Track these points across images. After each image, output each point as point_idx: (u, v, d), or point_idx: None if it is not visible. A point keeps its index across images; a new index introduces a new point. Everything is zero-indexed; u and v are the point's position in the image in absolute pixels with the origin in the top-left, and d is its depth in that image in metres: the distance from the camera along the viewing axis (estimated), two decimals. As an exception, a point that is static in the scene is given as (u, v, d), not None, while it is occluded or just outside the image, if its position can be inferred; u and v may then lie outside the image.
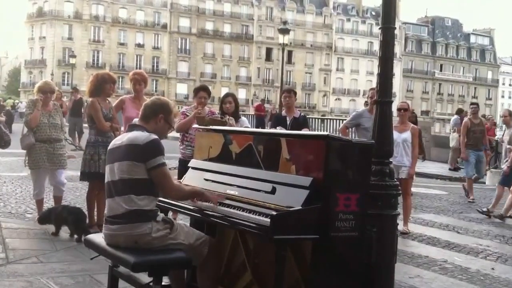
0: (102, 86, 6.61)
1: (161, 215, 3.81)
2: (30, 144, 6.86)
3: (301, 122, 7.79)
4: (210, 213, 3.81)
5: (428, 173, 17.77)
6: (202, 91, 7.17)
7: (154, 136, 3.76)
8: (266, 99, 79.64)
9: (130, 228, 3.66)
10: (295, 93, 8.07)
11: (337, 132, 13.30)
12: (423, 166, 18.53)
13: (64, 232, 6.48)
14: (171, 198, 4.05)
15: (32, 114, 6.83)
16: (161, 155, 3.72)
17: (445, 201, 11.65)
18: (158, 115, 3.92)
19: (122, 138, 3.87)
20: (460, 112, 20.09)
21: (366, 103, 10.72)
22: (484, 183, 16.13)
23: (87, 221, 6.54)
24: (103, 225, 3.91)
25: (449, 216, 9.76)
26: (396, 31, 4.48)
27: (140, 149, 3.67)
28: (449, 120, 29.07)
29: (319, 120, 26.14)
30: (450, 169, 18.91)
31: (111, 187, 3.80)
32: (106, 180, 3.88)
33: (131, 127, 3.94)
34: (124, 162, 3.71)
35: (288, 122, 7.73)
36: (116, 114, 6.85)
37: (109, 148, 3.98)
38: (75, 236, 6.29)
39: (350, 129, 8.85)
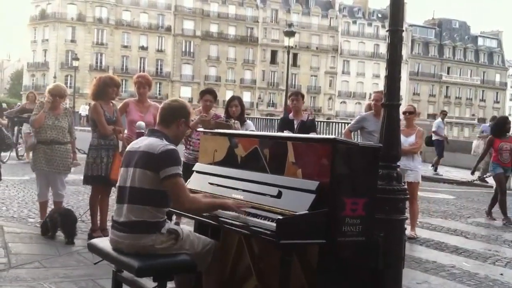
0: (105, 89, 6.57)
1: (166, 226, 3.70)
2: (33, 145, 6.96)
3: (308, 126, 7.74)
4: (215, 217, 3.76)
5: (435, 177, 17.66)
6: (207, 94, 7.13)
7: (171, 146, 3.64)
8: (271, 102, 79.73)
9: (134, 238, 3.60)
10: (302, 96, 8.04)
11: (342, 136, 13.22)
12: (430, 170, 18.44)
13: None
14: (186, 211, 3.91)
15: (37, 115, 6.84)
16: (176, 165, 3.59)
17: (452, 206, 11.56)
18: (180, 119, 3.82)
19: (141, 142, 3.78)
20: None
21: None
22: (492, 187, 16.02)
23: (82, 224, 6.50)
24: (110, 228, 3.85)
25: (457, 221, 9.67)
26: (403, 34, 4.43)
27: (154, 158, 3.57)
28: (458, 123, 28.90)
29: (325, 123, 26.06)
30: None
31: (122, 193, 3.73)
32: (118, 183, 3.81)
33: (151, 132, 3.85)
34: (137, 170, 3.63)
35: (295, 126, 7.68)
36: (120, 117, 6.80)
37: (126, 149, 3.91)
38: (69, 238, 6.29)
39: (354, 132, 8.78)
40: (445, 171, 19.24)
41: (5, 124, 7.55)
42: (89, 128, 6.91)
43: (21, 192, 9.84)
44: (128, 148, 3.89)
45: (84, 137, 10.27)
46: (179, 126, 3.83)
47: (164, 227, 3.66)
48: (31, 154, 8.57)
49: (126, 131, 6.84)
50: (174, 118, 3.82)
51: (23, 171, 12.47)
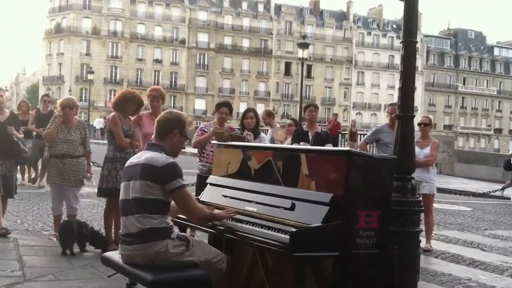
0: (123, 103, 6.61)
1: (176, 232, 3.76)
2: (47, 159, 7.04)
3: (324, 138, 7.76)
4: (228, 230, 3.75)
5: (451, 188, 17.48)
6: (224, 107, 7.14)
7: (172, 160, 3.74)
8: (285, 114, 79.69)
9: (146, 247, 3.63)
10: (318, 109, 8.17)
11: (358, 148, 13.14)
12: (446, 182, 18.29)
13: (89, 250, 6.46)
14: (194, 219, 4.00)
15: (49, 130, 6.91)
16: (180, 177, 3.71)
17: (469, 218, 11.43)
18: (172, 131, 3.90)
19: (140, 156, 3.86)
20: None
21: None
22: (509, 198, 15.87)
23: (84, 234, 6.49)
24: (119, 244, 3.88)
25: (473, 233, 9.55)
26: (418, 44, 4.42)
27: (157, 171, 3.66)
28: (474, 134, 28.75)
29: (340, 135, 25.93)
30: None
31: (125, 206, 3.78)
32: (120, 198, 3.87)
33: (149, 146, 3.93)
34: (139, 182, 3.70)
35: (310, 138, 7.68)
36: (136, 131, 6.81)
37: (126, 165, 3.97)
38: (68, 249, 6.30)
39: (370, 144, 8.75)
40: (461, 183, 19.08)
41: (21, 138, 7.57)
42: (104, 141, 6.94)
43: (35, 205, 9.88)
44: (127, 163, 3.96)
45: (98, 150, 10.28)
46: (173, 138, 3.90)
47: (173, 233, 3.73)
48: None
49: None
50: (168, 130, 3.91)
51: (37, 184, 12.51)
